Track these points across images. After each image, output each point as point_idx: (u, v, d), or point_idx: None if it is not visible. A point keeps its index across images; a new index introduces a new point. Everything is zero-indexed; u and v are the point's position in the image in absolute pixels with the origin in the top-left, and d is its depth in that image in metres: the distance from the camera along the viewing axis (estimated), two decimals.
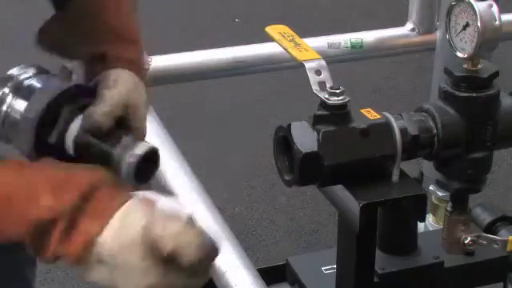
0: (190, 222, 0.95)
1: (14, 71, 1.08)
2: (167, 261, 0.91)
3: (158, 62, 1.95)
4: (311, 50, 1.11)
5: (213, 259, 0.95)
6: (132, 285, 0.92)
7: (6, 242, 0.95)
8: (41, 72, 1.09)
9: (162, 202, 0.96)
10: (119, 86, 1.08)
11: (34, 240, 0.92)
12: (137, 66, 1.14)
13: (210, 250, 0.94)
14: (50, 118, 1.05)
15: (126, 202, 0.93)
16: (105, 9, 1.18)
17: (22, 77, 1.07)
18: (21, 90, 1.06)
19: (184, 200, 1.63)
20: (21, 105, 1.05)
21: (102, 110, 1.05)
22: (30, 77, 1.08)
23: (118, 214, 0.92)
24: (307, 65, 1.08)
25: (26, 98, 1.05)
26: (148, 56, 1.93)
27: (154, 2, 4.39)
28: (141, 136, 1.10)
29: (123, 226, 0.92)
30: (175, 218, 0.94)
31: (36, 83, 1.07)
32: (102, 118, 1.05)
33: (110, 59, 1.12)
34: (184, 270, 0.92)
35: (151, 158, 1.04)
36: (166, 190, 1.63)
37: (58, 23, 1.18)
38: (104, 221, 0.92)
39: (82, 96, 1.08)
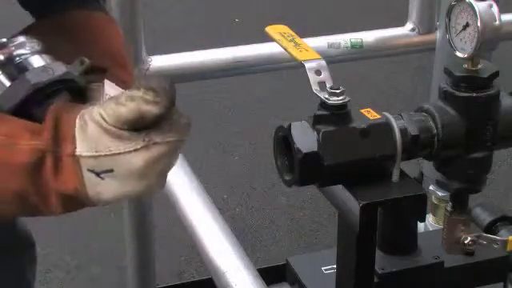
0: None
1: (16, 40, 0.99)
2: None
3: (158, 62, 1.94)
4: (311, 50, 1.11)
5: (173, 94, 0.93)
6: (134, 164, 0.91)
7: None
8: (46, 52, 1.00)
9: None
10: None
11: (30, 186, 0.91)
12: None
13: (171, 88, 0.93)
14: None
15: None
16: (99, 31, 1.18)
17: (18, 51, 0.98)
18: (7, 67, 0.97)
19: (184, 200, 1.63)
20: None
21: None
22: (29, 53, 0.99)
23: (77, 123, 0.92)
24: (307, 65, 1.08)
25: (9, 78, 0.96)
26: (148, 56, 1.93)
27: (154, 2, 4.39)
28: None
29: (84, 129, 0.91)
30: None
31: (28, 64, 0.98)
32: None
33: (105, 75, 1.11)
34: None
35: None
36: (165, 190, 1.63)
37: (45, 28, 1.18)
38: (71, 136, 0.91)
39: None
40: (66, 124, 0.92)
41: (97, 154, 0.91)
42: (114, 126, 0.91)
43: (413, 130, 1.09)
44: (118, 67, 1.16)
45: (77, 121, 0.92)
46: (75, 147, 0.91)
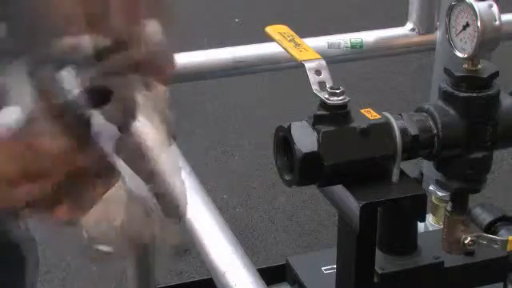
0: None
1: None
2: None
3: None
4: (311, 50, 1.11)
5: None
6: None
7: None
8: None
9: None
10: None
11: None
12: None
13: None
14: None
15: None
16: None
17: None
18: None
19: None
20: None
21: None
22: None
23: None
24: (307, 65, 1.08)
25: None
26: None
27: None
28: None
29: None
30: None
31: None
32: None
33: None
34: None
35: None
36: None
37: None
38: None
39: None
40: None
41: None
42: None
43: (413, 130, 1.09)
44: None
45: None
46: None
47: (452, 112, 1.11)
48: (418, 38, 2.14)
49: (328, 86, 1.06)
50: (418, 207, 1.08)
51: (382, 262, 1.17)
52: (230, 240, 1.49)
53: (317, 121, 1.05)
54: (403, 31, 2.15)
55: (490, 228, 1.27)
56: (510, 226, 1.27)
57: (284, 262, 1.32)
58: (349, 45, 2.07)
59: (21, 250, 1.41)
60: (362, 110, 1.08)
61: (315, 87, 1.06)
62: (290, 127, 1.05)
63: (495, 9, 1.10)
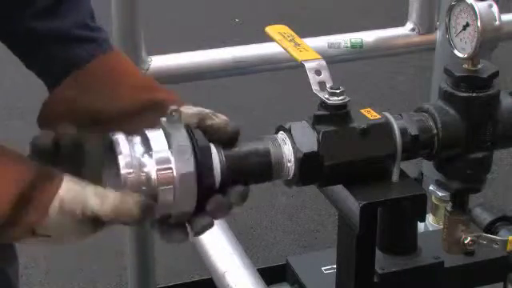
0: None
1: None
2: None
3: (158, 62, 1.94)
4: (311, 50, 1.11)
5: (152, 215, 0.98)
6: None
7: None
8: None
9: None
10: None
11: None
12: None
13: (149, 208, 0.96)
14: None
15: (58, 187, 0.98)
16: (126, 68, 1.20)
17: None
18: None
19: None
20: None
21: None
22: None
23: (55, 201, 0.97)
24: (307, 65, 1.08)
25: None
26: (148, 56, 1.93)
27: (154, 3, 4.39)
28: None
29: (62, 211, 0.97)
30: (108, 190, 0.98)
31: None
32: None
33: (161, 104, 1.12)
34: None
35: None
36: None
37: (67, 94, 1.18)
38: (45, 211, 0.97)
39: None
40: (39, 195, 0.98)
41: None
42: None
43: (413, 130, 1.08)
44: (154, 91, 1.17)
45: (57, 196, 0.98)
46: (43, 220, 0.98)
47: (452, 112, 1.11)
48: (417, 38, 2.15)
49: (328, 86, 1.06)
50: (418, 207, 1.08)
51: (382, 262, 1.17)
52: (230, 240, 1.49)
53: (317, 121, 1.05)
54: (403, 31, 2.15)
55: (490, 228, 1.27)
56: (510, 225, 1.27)
57: (284, 262, 1.32)
58: (349, 45, 2.07)
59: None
60: (362, 110, 1.08)
61: (315, 87, 1.06)
62: (290, 127, 1.05)
63: (495, 9, 1.10)
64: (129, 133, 1.01)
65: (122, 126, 1.11)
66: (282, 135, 1.05)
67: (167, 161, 0.96)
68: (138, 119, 1.13)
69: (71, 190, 0.98)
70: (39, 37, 1.19)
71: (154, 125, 1.02)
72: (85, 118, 1.16)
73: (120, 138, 0.97)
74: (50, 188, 0.98)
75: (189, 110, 1.04)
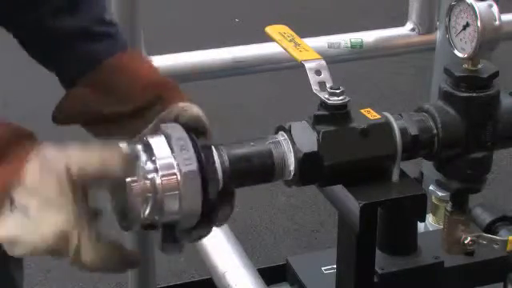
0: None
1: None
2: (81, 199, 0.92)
3: (158, 62, 1.94)
4: (311, 50, 1.11)
5: (133, 173, 0.95)
6: (40, 231, 0.91)
7: None
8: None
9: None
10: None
11: None
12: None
13: (134, 160, 0.95)
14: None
15: (35, 143, 0.93)
16: (139, 67, 1.19)
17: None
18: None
19: None
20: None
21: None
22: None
23: (35, 156, 0.91)
24: (307, 65, 1.08)
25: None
26: (148, 56, 1.93)
27: (154, 2, 4.39)
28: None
29: (44, 164, 0.90)
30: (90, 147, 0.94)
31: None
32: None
33: (165, 100, 1.12)
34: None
35: None
36: None
37: (83, 93, 1.18)
38: (21, 165, 0.90)
39: None
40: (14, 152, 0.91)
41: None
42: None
43: (413, 130, 1.08)
44: (167, 91, 1.17)
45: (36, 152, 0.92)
46: (19, 175, 0.90)
47: (452, 112, 1.11)
48: (417, 38, 2.15)
49: (328, 85, 1.06)
50: (418, 207, 1.08)
51: (382, 262, 1.17)
52: (230, 240, 1.49)
53: (317, 121, 1.05)
54: (403, 31, 2.15)
55: (490, 228, 1.27)
56: (510, 226, 1.27)
57: (284, 262, 1.32)
58: (349, 45, 2.07)
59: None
60: (362, 110, 1.08)
61: (315, 87, 1.06)
62: (290, 127, 1.05)
63: (495, 9, 1.10)
64: (136, 130, 1.01)
65: (130, 124, 1.12)
66: (282, 135, 1.05)
67: (171, 166, 0.96)
68: (146, 115, 1.13)
69: (52, 147, 0.93)
70: (59, 34, 1.18)
71: (157, 121, 1.04)
72: (98, 117, 1.17)
73: (122, 146, 0.97)
74: (27, 144, 0.93)
75: (184, 112, 1.04)
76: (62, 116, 1.19)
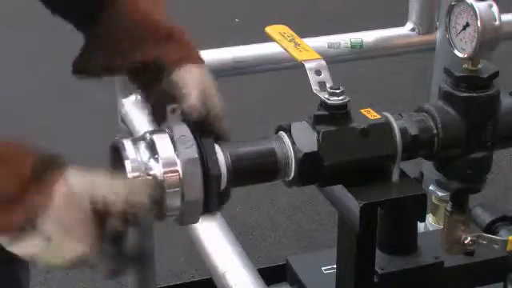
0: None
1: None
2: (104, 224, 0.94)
3: None
4: (311, 49, 1.11)
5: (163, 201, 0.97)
6: (60, 256, 0.94)
7: None
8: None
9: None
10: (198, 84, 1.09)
11: None
12: (195, 59, 1.15)
13: (160, 193, 0.97)
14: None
15: (62, 171, 0.94)
16: (146, 15, 1.17)
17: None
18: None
19: None
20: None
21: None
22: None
23: (61, 186, 0.93)
24: (307, 65, 1.08)
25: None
26: None
27: None
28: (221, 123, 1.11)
29: (69, 195, 0.93)
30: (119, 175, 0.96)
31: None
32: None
33: (170, 60, 1.12)
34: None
35: None
36: None
37: (93, 47, 1.17)
38: (48, 193, 0.92)
39: None
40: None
41: None
42: None
43: (413, 130, 1.08)
44: (175, 42, 1.16)
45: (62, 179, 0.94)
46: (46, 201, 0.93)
47: (452, 112, 1.11)
48: (417, 38, 2.15)
49: (328, 85, 1.06)
50: (418, 207, 1.08)
51: (382, 262, 1.17)
52: (230, 240, 1.49)
53: (317, 121, 1.05)
54: (403, 31, 2.15)
55: (490, 228, 1.27)
56: (510, 226, 1.27)
57: (284, 262, 1.32)
58: (349, 45, 2.07)
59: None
60: (362, 110, 1.08)
61: (315, 87, 1.06)
62: (290, 127, 1.05)
63: (495, 9, 1.10)
64: (147, 83, 1.05)
65: (142, 75, 1.11)
66: (282, 135, 1.05)
67: (173, 163, 0.96)
68: (156, 73, 1.12)
69: (79, 175, 0.95)
70: None
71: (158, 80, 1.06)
72: (101, 69, 1.17)
73: (126, 142, 0.98)
74: (56, 171, 0.94)
75: (188, 101, 1.04)
76: (78, 71, 1.19)
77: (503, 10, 1.20)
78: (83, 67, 1.19)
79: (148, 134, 0.99)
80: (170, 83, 1.09)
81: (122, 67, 1.16)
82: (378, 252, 1.14)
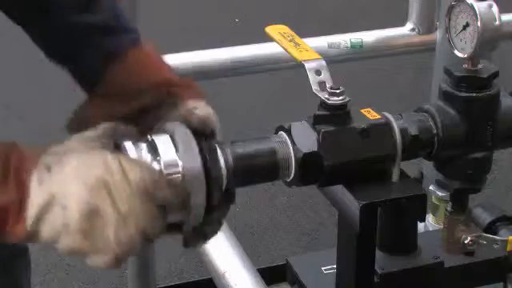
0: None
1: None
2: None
3: None
4: (311, 49, 1.11)
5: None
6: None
7: None
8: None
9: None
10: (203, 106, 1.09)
11: None
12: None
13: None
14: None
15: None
16: (149, 66, 1.18)
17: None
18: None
19: None
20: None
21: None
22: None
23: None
24: (307, 65, 1.08)
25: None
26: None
27: (154, 2, 4.39)
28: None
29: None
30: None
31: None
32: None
33: (177, 98, 1.12)
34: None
35: None
36: None
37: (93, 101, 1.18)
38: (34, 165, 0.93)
39: None
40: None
41: None
42: None
43: (413, 130, 1.08)
44: (179, 88, 1.16)
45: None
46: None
47: (452, 112, 1.11)
48: (417, 38, 2.15)
49: (328, 86, 1.06)
50: (418, 207, 1.08)
51: (382, 262, 1.17)
52: (230, 240, 1.49)
53: (317, 121, 1.05)
54: (403, 31, 2.16)
55: (490, 228, 1.27)
56: (510, 225, 1.27)
57: (284, 262, 1.32)
58: (349, 45, 2.07)
59: (12, 256, 1.40)
60: (362, 110, 1.08)
61: (315, 87, 1.06)
62: (290, 127, 1.05)
63: (495, 9, 1.10)
64: (146, 126, 1.02)
65: (141, 119, 1.12)
66: (282, 135, 1.05)
67: (175, 165, 0.96)
68: (158, 112, 1.13)
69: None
70: (82, 30, 1.18)
71: (167, 119, 1.04)
72: (109, 117, 1.16)
73: (127, 144, 0.98)
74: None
75: (192, 113, 1.04)
76: (76, 125, 1.19)
77: (503, 10, 1.20)
78: (81, 121, 1.18)
79: (149, 136, 0.99)
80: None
81: (123, 112, 1.16)
82: (378, 252, 1.14)
